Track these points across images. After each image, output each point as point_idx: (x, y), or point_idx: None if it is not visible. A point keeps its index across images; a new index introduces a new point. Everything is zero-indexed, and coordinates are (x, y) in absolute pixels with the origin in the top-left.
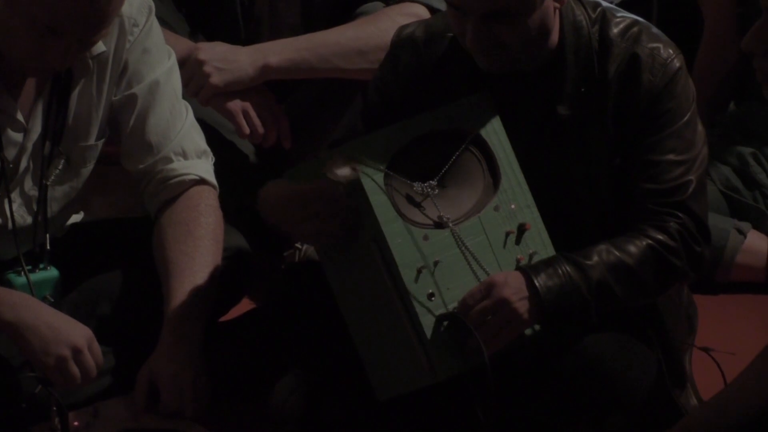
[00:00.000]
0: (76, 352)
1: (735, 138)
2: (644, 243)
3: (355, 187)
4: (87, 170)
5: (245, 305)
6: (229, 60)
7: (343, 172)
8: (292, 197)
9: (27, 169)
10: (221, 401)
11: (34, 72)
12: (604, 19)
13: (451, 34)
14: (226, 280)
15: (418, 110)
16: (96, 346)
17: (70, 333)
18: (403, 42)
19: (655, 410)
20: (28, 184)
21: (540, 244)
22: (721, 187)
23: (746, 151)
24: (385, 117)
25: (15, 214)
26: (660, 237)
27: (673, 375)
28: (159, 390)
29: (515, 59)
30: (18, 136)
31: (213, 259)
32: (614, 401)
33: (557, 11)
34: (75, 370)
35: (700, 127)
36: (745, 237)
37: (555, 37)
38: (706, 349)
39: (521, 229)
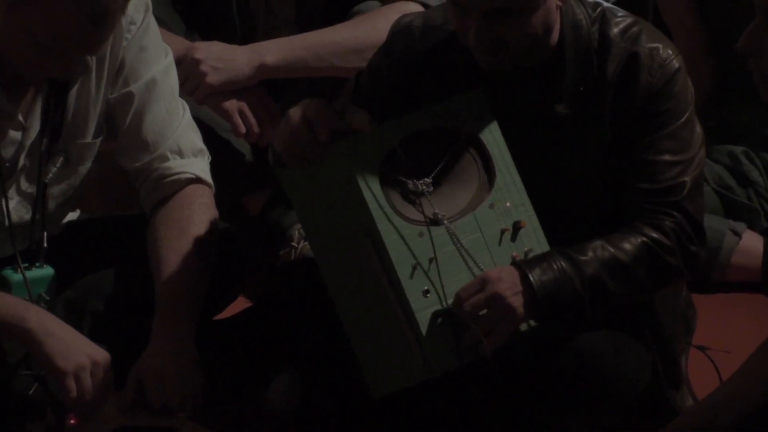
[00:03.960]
0: (95, 364)
1: (723, 141)
2: (639, 240)
3: (350, 183)
4: (85, 168)
5: (241, 303)
6: (225, 59)
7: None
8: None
9: (24, 167)
10: (217, 399)
11: (33, 79)
12: (604, 19)
13: (450, 27)
14: (221, 278)
15: (407, 99)
16: (110, 372)
17: (91, 349)
18: (400, 30)
19: (649, 410)
20: (26, 182)
21: (535, 241)
22: (714, 185)
23: (737, 149)
24: (374, 103)
25: (12, 211)
26: (655, 235)
27: (669, 375)
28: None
29: (518, 57)
30: (17, 135)
31: (205, 258)
32: (609, 400)
33: (559, 9)
34: (89, 382)
35: (698, 128)
36: (740, 238)
37: (556, 35)
38: (701, 348)
39: (517, 227)
